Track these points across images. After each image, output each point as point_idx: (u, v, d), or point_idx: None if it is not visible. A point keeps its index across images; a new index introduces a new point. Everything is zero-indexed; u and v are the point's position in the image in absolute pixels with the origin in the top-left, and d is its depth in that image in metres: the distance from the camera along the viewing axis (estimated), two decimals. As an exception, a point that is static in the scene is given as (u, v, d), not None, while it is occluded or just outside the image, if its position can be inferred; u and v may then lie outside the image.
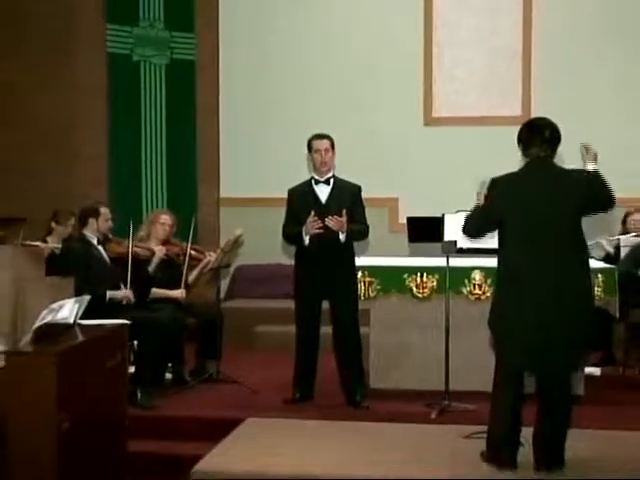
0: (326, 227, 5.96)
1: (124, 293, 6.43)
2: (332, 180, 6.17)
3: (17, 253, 6.25)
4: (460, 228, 5.47)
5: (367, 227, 6.26)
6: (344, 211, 5.93)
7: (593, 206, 4.46)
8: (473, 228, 4.67)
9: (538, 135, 4.46)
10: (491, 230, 4.61)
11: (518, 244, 4.40)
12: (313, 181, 6.19)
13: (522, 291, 4.36)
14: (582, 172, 4.47)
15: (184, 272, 6.86)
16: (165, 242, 6.94)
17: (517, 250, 4.41)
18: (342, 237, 6.01)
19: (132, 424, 5.46)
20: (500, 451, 4.48)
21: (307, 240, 6.02)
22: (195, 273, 7.07)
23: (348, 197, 6.15)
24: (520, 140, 4.54)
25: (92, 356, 4.92)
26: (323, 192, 6.16)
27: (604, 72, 9.20)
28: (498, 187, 4.49)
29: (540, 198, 4.37)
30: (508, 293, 4.45)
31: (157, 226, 6.95)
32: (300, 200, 6.18)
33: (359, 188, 6.25)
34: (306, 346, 6.19)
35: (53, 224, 7.57)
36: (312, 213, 5.96)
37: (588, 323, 4.42)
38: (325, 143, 6.14)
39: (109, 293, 6.33)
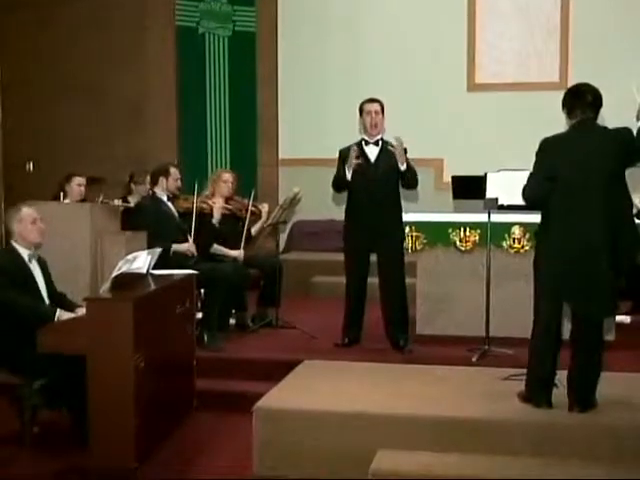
0: (374, 183, 5.93)
1: (187, 246, 6.46)
2: (381, 142, 6.13)
3: (96, 210, 6.36)
4: (501, 186, 5.45)
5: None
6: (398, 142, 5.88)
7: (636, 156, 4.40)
8: (531, 191, 4.54)
9: (581, 99, 4.40)
10: (547, 189, 4.41)
11: (562, 196, 4.33)
12: (363, 142, 6.14)
13: (562, 237, 4.31)
14: (623, 129, 4.39)
15: (245, 225, 6.90)
16: (228, 198, 6.96)
17: (560, 202, 4.34)
18: (402, 167, 5.95)
19: (199, 364, 5.57)
20: (537, 392, 4.47)
21: (349, 175, 5.99)
22: (258, 226, 7.10)
23: (395, 158, 6.09)
24: (564, 105, 4.48)
25: (164, 303, 4.99)
26: (372, 152, 6.10)
27: (637, 41, 9.02)
28: (546, 148, 4.43)
29: (584, 153, 4.31)
30: (552, 243, 4.38)
31: (220, 184, 6.96)
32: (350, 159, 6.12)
33: (405, 149, 6.17)
34: (355, 295, 6.20)
35: (132, 185, 7.69)
36: (355, 147, 5.94)
37: (624, 273, 4.38)
38: (376, 106, 6.11)
39: (174, 246, 6.35)
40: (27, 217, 4.97)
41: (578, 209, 4.30)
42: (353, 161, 5.96)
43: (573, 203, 4.31)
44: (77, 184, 7.02)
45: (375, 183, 6.00)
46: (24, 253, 4.94)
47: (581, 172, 4.30)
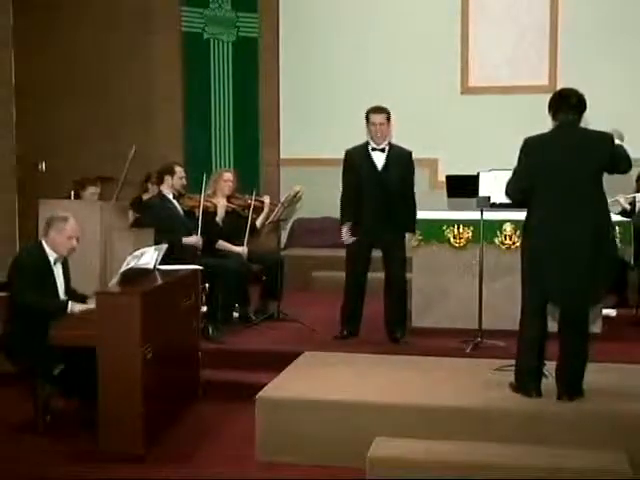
0: (381, 189, 5.91)
1: (195, 239, 6.45)
2: (387, 148, 6.04)
3: (105, 208, 6.37)
4: (493, 185, 5.47)
5: (414, 200, 6.08)
6: None
7: (613, 167, 4.40)
8: (513, 189, 4.57)
9: (565, 102, 4.42)
10: (526, 186, 4.46)
11: (546, 192, 4.34)
12: (370, 147, 6.06)
13: (547, 232, 4.33)
14: (605, 133, 4.40)
15: (249, 221, 6.89)
16: (230, 196, 6.97)
17: (544, 198, 4.35)
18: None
19: (204, 355, 5.58)
20: (526, 382, 4.49)
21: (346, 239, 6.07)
22: (262, 218, 7.09)
23: (401, 163, 6.03)
24: (550, 107, 4.49)
25: (170, 296, 5.01)
26: (379, 159, 6.01)
27: (622, 46, 9.07)
28: (529, 146, 4.44)
29: (566, 154, 4.33)
30: (536, 236, 4.40)
31: (221, 183, 6.96)
32: (358, 162, 6.04)
33: (410, 154, 6.11)
34: (354, 290, 6.19)
35: (149, 184, 7.65)
36: (346, 229, 6.03)
37: (609, 266, 4.39)
38: (381, 117, 5.98)
39: (183, 239, 6.36)
40: (69, 231, 4.97)
41: (562, 205, 4.32)
42: (349, 239, 6.04)
43: (557, 199, 4.33)
44: (91, 193, 6.97)
45: (382, 189, 5.95)
46: (51, 256, 4.96)
47: (564, 170, 4.31)
